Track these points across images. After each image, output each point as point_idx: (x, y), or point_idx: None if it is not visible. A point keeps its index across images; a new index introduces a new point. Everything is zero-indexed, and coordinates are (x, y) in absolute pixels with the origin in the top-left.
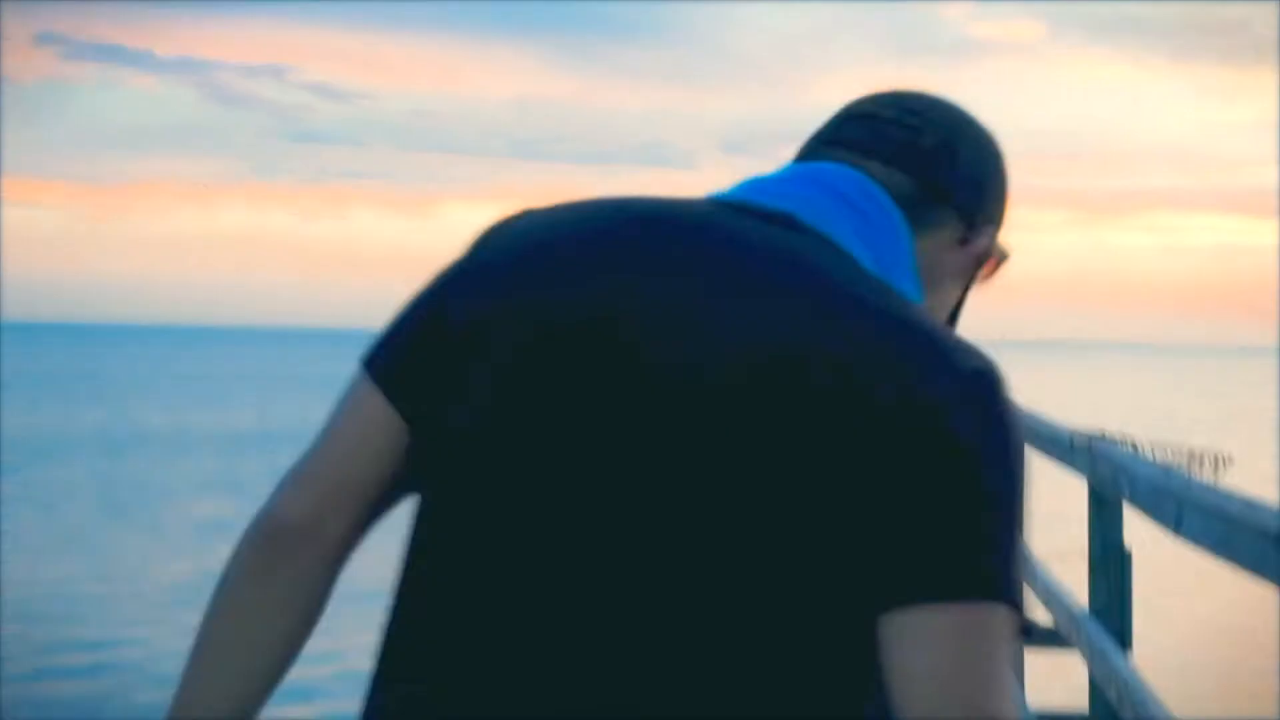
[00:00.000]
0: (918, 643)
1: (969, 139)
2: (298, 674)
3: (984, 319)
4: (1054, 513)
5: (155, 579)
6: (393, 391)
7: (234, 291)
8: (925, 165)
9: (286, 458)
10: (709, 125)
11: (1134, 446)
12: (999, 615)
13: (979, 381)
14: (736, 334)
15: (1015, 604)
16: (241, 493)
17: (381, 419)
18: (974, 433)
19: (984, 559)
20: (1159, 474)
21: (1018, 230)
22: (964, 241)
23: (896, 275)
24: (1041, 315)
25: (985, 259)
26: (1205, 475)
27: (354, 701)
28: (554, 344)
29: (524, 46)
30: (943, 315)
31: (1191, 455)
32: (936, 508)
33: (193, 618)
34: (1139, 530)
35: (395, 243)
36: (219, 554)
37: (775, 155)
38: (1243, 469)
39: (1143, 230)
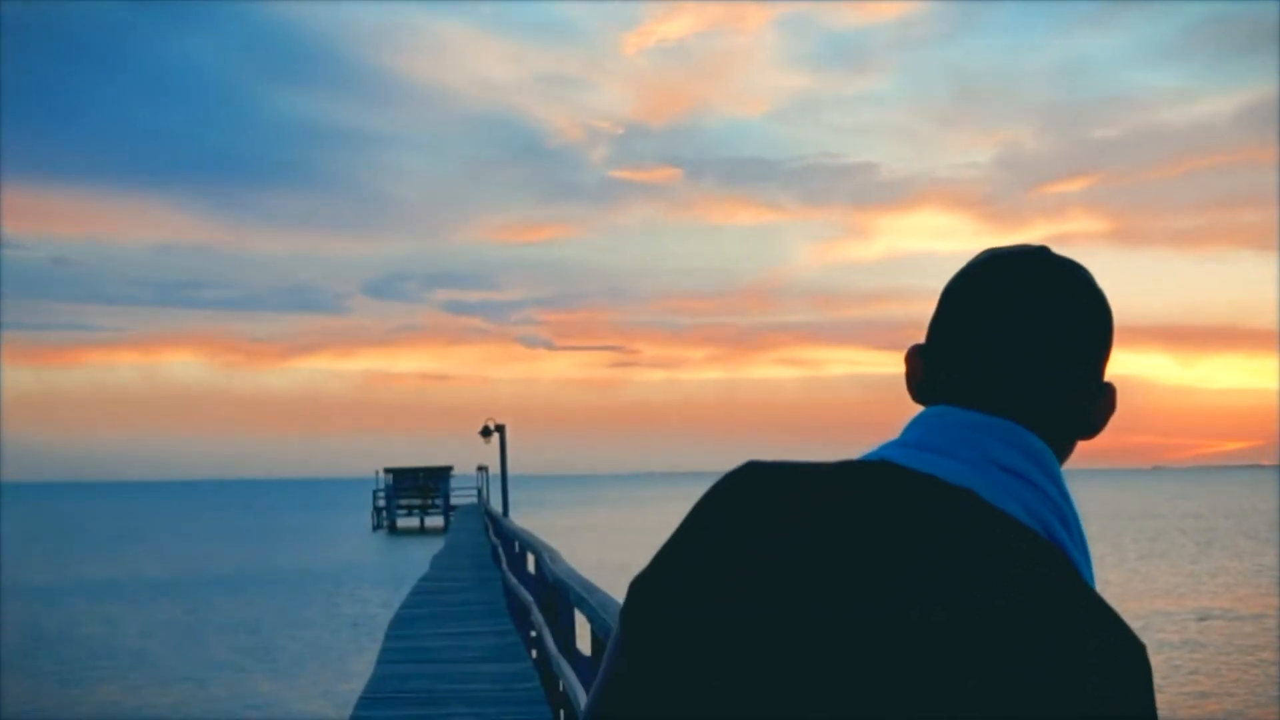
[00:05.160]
0: None
1: (1088, 322)
2: None
3: (632, 453)
4: None
5: None
6: None
7: None
8: (1073, 406)
9: None
10: (357, 269)
11: None
12: None
13: (1135, 655)
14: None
15: None
16: None
17: None
18: (1137, 693)
19: None
20: None
21: (666, 367)
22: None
23: (1063, 539)
24: (687, 447)
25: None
26: None
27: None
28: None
29: (168, 193)
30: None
31: None
32: None
33: None
34: None
35: (35, 394)
36: None
37: (423, 297)
38: None
39: (784, 364)
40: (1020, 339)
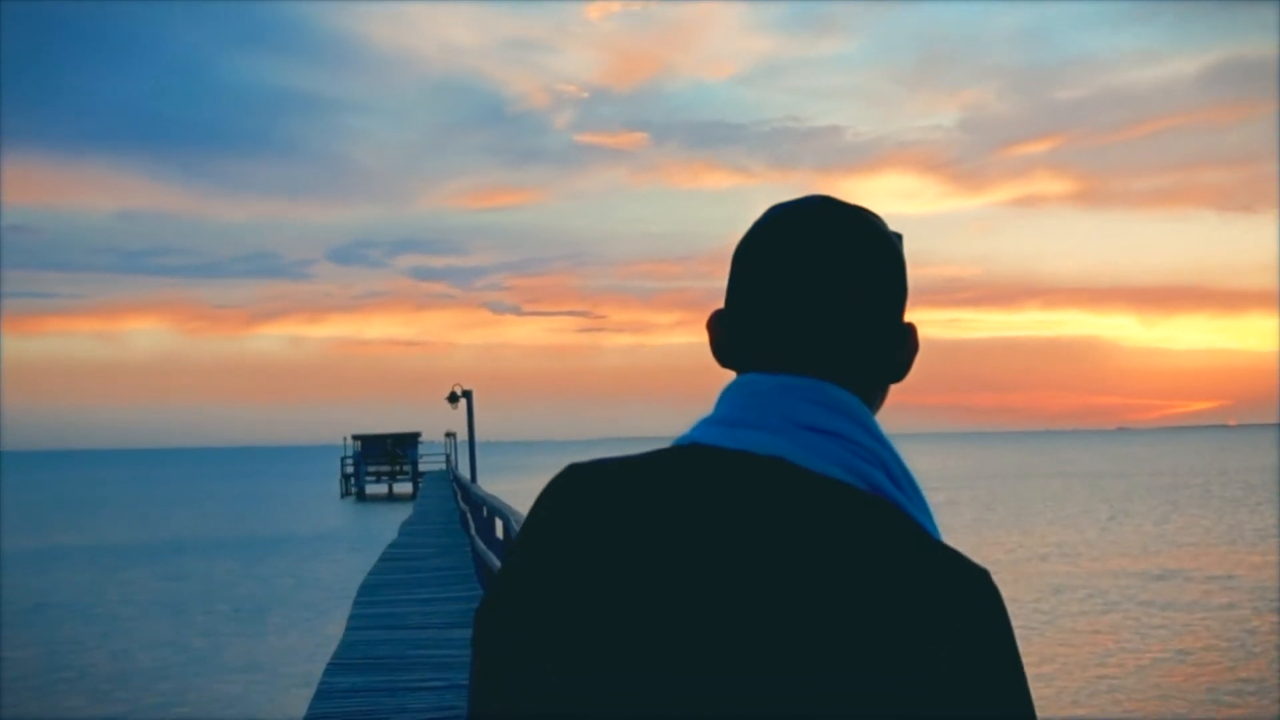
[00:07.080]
0: None
1: (878, 267)
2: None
3: (599, 418)
4: None
5: None
6: None
7: None
8: (876, 353)
9: None
10: (320, 235)
11: None
12: None
13: (980, 582)
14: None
15: None
16: None
17: None
18: (991, 618)
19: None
20: None
21: (633, 331)
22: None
23: (885, 487)
24: (654, 412)
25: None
26: None
27: None
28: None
29: (127, 160)
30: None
31: None
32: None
33: None
34: None
35: None
36: None
37: (387, 264)
38: None
39: None
40: (812, 293)
